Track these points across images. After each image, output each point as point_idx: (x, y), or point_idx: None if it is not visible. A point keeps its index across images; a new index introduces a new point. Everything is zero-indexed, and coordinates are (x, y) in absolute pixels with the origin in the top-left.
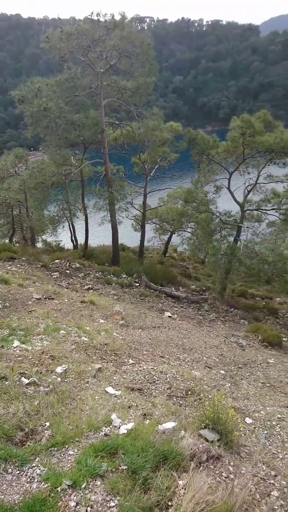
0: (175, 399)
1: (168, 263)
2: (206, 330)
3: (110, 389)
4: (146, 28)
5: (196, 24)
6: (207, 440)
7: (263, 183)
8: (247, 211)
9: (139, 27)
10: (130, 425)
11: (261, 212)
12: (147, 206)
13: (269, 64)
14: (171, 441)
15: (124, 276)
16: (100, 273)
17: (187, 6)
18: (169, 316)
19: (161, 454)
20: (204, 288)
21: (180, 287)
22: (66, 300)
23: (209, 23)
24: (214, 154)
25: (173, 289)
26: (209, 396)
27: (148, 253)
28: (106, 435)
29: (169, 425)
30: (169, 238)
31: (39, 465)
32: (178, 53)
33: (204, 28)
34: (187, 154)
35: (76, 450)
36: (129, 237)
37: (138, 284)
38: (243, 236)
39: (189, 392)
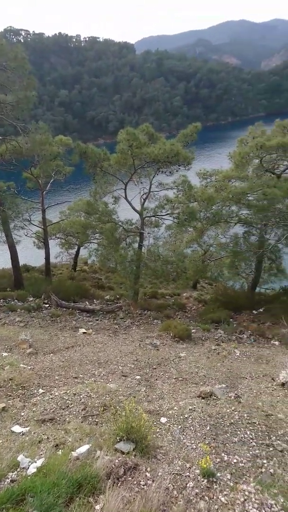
0: (90, 419)
1: (79, 277)
2: (122, 338)
3: (17, 428)
4: (22, 41)
5: (74, 39)
6: (123, 453)
7: (156, 191)
8: (146, 218)
9: (14, 39)
10: (40, 462)
11: (158, 217)
12: (48, 221)
13: (147, 80)
14: (86, 465)
15: (31, 299)
16: (1, 300)
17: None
18: (84, 332)
19: (76, 483)
20: (118, 296)
21: (95, 300)
22: None
23: (87, 39)
24: (107, 166)
25: (87, 303)
26: (124, 407)
27: (56, 270)
28: (12, 481)
29: (83, 448)
30: (77, 252)
31: None
32: (60, 67)
33: (83, 44)
34: (81, 167)
35: None
36: (32, 256)
37: (47, 305)
38: (146, 242)
39: (105, 408)
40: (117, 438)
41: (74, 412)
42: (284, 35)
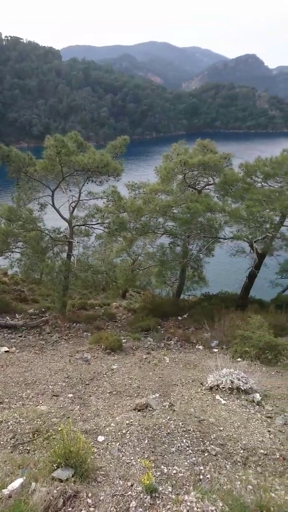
0: (21, 448)
1: None
2: (50, 355)
3: None
4: None
5: None
6: (61, 481)
7: (85, 199)
8: (75, 227)
9: None
10: None
11: (88, 226)
12: None
13: (73, 88)
14: (21, 502)
15: None
16: None
17: None
18: (6, 351)
19: None
20: (43, 310)
21: (17, 314)
22: None
23: (9, 38)
24: (33, 172)
25: (7, 318)
26: (59, 429)
27: None
28: None
29: (16, 483)
30: None
31: None
32: None
33: (4, 43)
34: (4, 171)
35: None
36: None
37: None
38: (76, 251)
39: (37, 433)
40: (54, 465)
41: (1, 442)
42: (201, 62)
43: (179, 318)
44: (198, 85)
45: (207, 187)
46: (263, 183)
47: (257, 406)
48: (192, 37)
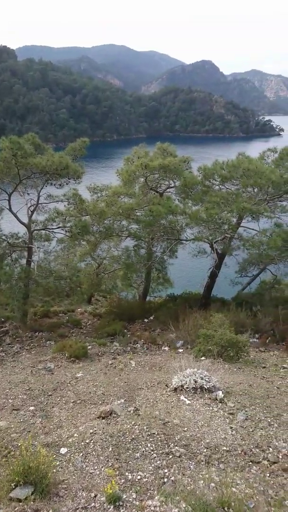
0: None
1: None
2: (10, 367)
3: None
4: None
5: None
6: (20, 500)
7: (45, 203)
8: (35, 231)
9: None
10: None
11: (49, 231)
12: None
13: (30, 89)
14: None
15: None
16: None
17: None
18: None
19: None
20: (3, 319)
21: None
22: None
23: None
24: None
25: None
26: (19, 445)
27: None
28: None
29: None
30: None
31: None
32: None
33: None
34: None
35: None
36: None
37: None
38: (36, 257)
39: None
40: (12, 484)
41: None
42: (160, 66)
43: (146, 320)
44: (157, 89)
45: (168, 190)
46: (220, 185)
47: (220, 404)
48: (150, 41)
